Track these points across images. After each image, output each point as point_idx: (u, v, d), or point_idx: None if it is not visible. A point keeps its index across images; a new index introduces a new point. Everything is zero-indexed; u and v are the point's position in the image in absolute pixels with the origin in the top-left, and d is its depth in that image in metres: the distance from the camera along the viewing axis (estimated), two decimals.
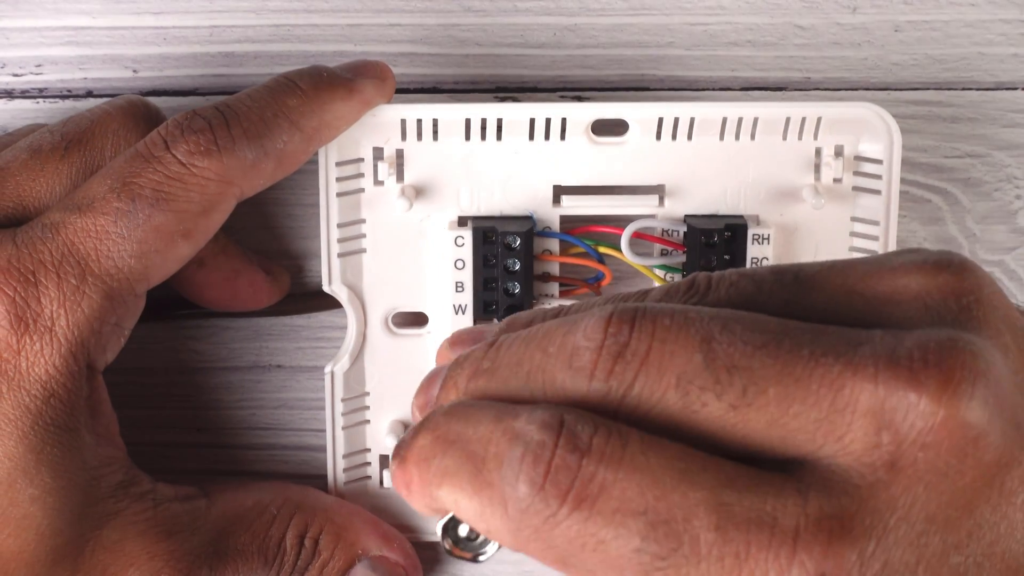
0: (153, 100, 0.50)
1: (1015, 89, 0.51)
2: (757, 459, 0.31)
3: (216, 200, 0.43)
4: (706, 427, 0.31)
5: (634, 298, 0.35)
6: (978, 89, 0.51)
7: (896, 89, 0.51)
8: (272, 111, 0.44)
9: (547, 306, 0.36)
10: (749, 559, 0.30)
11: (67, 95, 0.51)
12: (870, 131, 0.48)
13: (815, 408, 0.30)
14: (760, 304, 0.33)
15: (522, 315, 0.37)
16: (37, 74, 0.51)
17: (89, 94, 0.51)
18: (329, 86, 0.45)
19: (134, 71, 0.51)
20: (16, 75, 0.51)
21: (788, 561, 0.30)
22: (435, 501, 0.33)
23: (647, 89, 0.51)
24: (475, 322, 0.48)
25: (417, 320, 0.50)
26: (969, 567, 0.31)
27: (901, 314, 0.32)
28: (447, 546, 0.34)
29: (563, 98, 0.51)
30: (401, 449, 0.34)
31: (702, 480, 0.30)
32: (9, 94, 0.51)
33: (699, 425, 0.31)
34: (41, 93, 0.51)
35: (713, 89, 0.51)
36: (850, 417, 0.30)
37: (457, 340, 0.38)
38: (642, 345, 0.31)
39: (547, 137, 0.47)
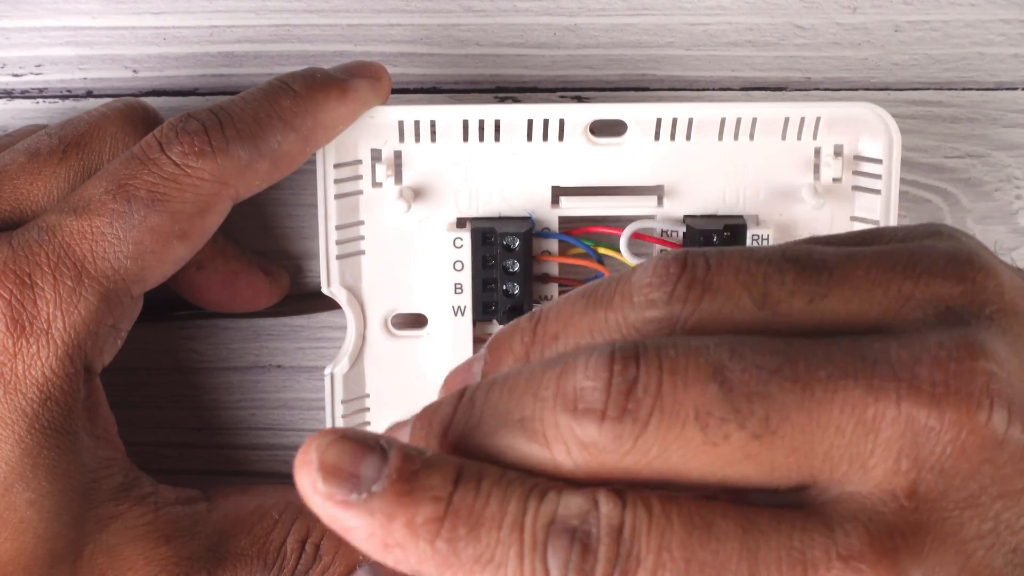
0: (153, 100, 0.50)
1: (1015, 89, 0.51)
2: (769, 489, 0.30)
3: (211, 201, 0.43)
4: (726, 459, 0.30)
5: (610, 283, 0.33)
6: (978, 89, 0.51)
7: (896, 89, 0.51)
8: (266, 112, 0.44)
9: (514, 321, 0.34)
10: None
11: (67, 95, 0.51)
12: (870, 131, 0.47)
13: (839, 434, 0.30)
14: (780, 300, 0.32)
15: (502, 335, 0.35)
16: (37, 74, 0.51)
17: (89, 94, 0.51)
18: (323, 87, 0.45)
19: (134, 71, 0.51)
20: (16, 75, 0.51)
21: None
22: None
23: (647, 89, 0.51)
24: (475, 324, 0.48)
25: (417, 322, 0.50)
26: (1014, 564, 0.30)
27: (921, 316, 0.31)
28: None
29: (563, 98, 0.51)
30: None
31: (727, 530, 0.29)
32: (9, 94, 0.51)
33: (719, 458, 0.30)
34: (41, 93, 0.51)
35: (713, 89, 0.51)
36: (872, 444, 0.29)
37: (447, 382, 0.37)
38: (652, 379, 0.30)
39: (545, 138, 0.47)
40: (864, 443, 0.29)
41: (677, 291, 0.31)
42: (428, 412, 0.32)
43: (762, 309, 0.31)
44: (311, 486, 0.29)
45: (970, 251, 0.32)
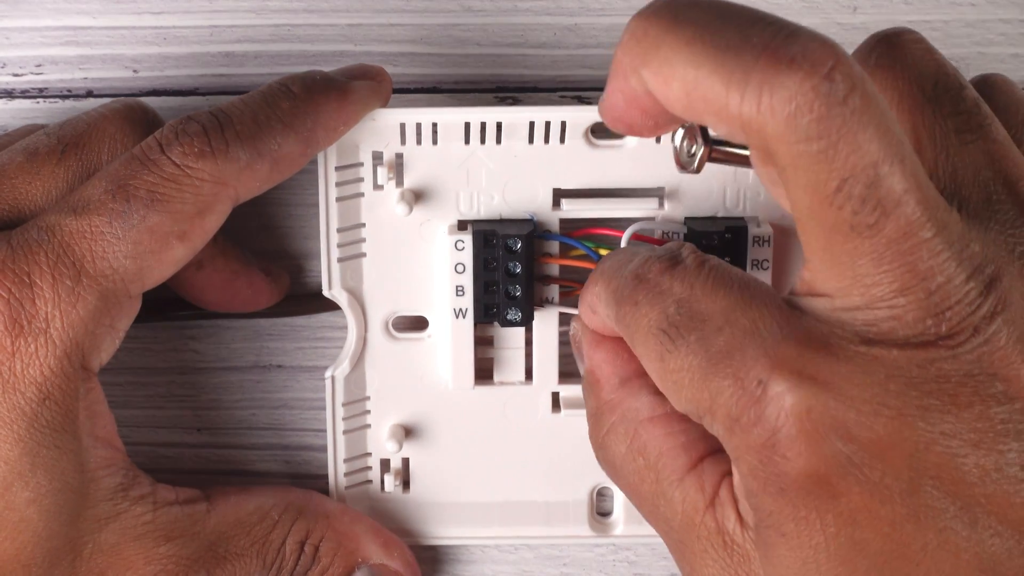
0: (153, 100, 0.50)
1: None
2: None
3: (211, 202, 0.43)
4: None
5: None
6: None
7: None
8: (265, 114, 0.44)
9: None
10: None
11: (67, 95, 0.51)
12: None
13: None
14: None
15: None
16: (37, 74, 0.51)
17: (89, 94, 0.51)
18: (323, 89, 0.45)
19: (134, 71, 0.51)
20: (16, 75, 0.51)
21: None
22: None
23: None
24: (476, 326, 0.48)
25: (418, 324, 0.50)
26: None
27: None
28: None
29: (563, 98, 0.51)
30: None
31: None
32: (9, 94, 0.51)
33: None
34: (41, 93, 0.51)
35: None
36: None
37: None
38: None
39: (547, 140, 0.47)
40: None
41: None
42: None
43: None
44: None
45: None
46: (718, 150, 0.41)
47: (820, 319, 0.35)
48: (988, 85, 0.42)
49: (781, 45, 0.33)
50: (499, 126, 0.47)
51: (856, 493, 0.34)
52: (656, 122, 0.38)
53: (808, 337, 0.35)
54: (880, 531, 0.34)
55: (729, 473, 0.39)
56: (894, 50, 0.40)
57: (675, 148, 0.42)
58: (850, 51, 0.47)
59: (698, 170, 0.41)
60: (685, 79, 0.35)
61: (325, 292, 0.48)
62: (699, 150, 0.41)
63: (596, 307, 0.42)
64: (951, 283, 0.34)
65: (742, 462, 0.36)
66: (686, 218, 0.48)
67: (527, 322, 0.48)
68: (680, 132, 0.42)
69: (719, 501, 0.39)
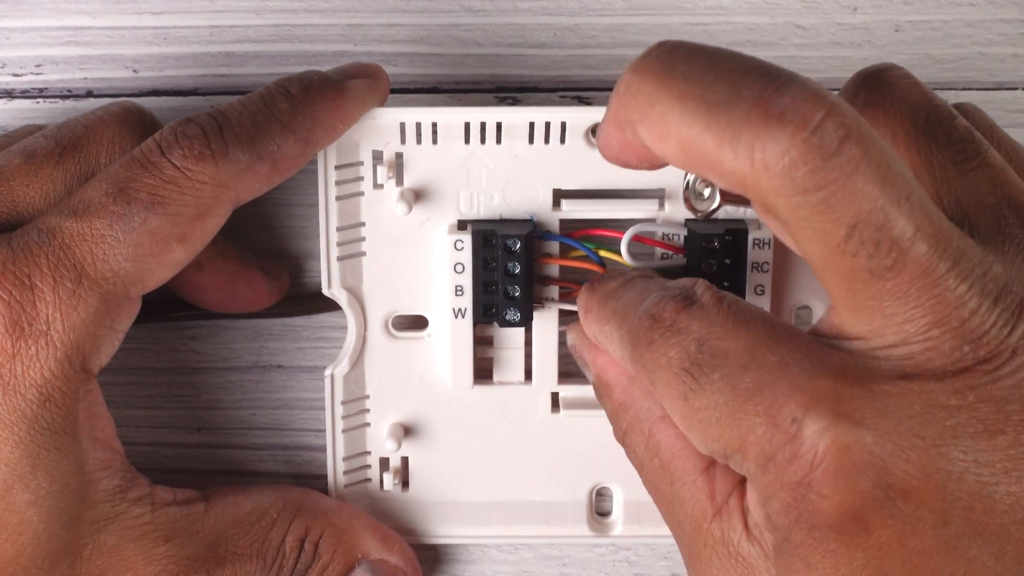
0: (153, 100, 0.50)
1: (1015, 89, 0.51)
2: None
3: (211, 204, 0.43)
4: None
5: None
6: (978, 89, 0.51)
7: None
8: (264, 115, 0.44)
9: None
10: None
11: (67, 95, 0.51)
12: None
13: None
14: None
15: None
16: (37, 74, 0.51)
17: (89, 94, 0.51)
18: (320, 89, 0.45)
19: (134, 71, 0.51)
20: (16, 75, 0.51)
21: None
22: None
23: None
24: (475, 326, 0.48)
25: (417, 323, 0.50)
26: None
27: None
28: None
29: (563, 98, 0.51)
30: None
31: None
32: (9, 94, 0.51)
33: None
34: (41, 93, 0.51)
35: None
36: None
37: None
38: None
39: (547, 140, 0.47)
40: None
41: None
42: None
43: None
44: None
45: None
46: (729, 197, 0.42)
47: (854, 356, 0.35)
48: (964, 114, 0.42)
49: (771, 98, 0.33)
50: (499, 126, 0.47)
51: (889, 527, 0.34)
52: (652, 164, 0.39)
53: (843, 372, 0.35)
54: (909, 563, 0.34)
55: (741, 484, 0.39)
56: (881, 87, 0.40)
57: (686, 197, 0.44)
58: (845, 52, 0.47)
59: (709, 214, 0.44)
60: (680, 137, 0.35)
61: (325, 291, 0.48)
62: (712, 202, 0.43)
63: (606, 346, 0.43)
64: (980, 309, 0.34)
65: (775, 500, 0.36)
66: (686, 220, 0.48)
67: (526, 322, 0.48)
68: (690, 181, 0.44)
69: (727, 511, 0.39)
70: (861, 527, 0.34)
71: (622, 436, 0.44)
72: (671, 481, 0.41)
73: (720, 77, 0.34)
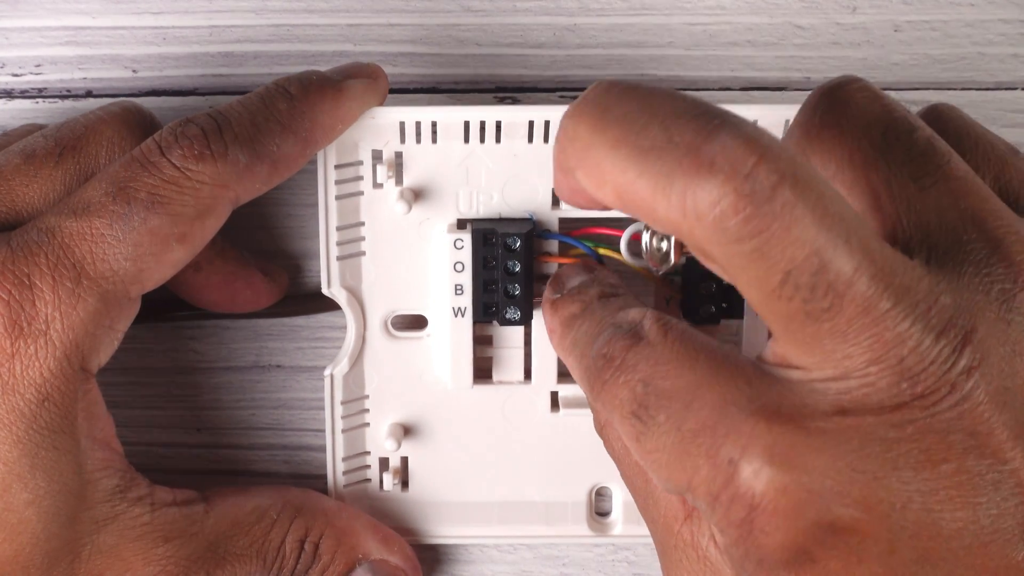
0: (153, 100, 0.50)
1: (1015, 89, 0.51)
2: None
3: (211, 204, 0.43)
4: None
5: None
6: (978, 89, 0.51)
7: (896, 89, 0.51)
8: (263, 116, 0.44)
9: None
10: None
11: (67, 95, 0.51)
12: None
13: None
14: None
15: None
16: (37, 74, 0.51)
17: (89, 94, 0.51)
18: (319, 89, 0.45)
19: (134, 71, 0.51)
20: (16, 75, 0.51)
21: None
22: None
23: None
24: (475, 325, 0.48)
25: (417, 323, 0.50)
26: None
27: None
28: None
29: (563, 98, 0.51)
30: None
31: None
32: (9, 94, 0.51)
33: None
34: (41, 93, 0.51)
35: (713, 89, 0.51)
36: None
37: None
38: None
39: (546, 139, 0.47)
40: None
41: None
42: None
43: None
44: None
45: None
46: (686, 249, 0.42)
47: (793, 390, 0.35)
48: (936, 117, 0.42)
49: (702, 145, 0.33)
50: (499, 125, 0.47)
51: (835, 557, 0.34)
52: (601, 207, 0.38)
53: (778, 412, 0.35)
54: None
55: None
56: (837, 106, 0.39)
57: (645, 248, 0.43)
58: (844, 52, 0.47)
59: (672, 268, 0.43)
60: (615, 184, 0.35)
61: (324, 290, 0.48)
62: (668, 262, 0.43)
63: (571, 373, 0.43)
64: (921, 346, 0.33)
65: (725, 535, 0.36)
66: None
67: (526, 321, 0.48)
68: (648, 233, 0.43)
69: (698, 515, 0.40)
70: (807, 558, 0.34)
71: (600, 429, 0.44)
72: (645, 480, 0.42)
73: (654, 120, 0.34)
